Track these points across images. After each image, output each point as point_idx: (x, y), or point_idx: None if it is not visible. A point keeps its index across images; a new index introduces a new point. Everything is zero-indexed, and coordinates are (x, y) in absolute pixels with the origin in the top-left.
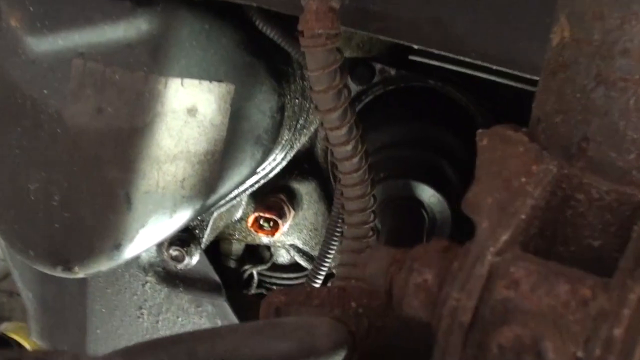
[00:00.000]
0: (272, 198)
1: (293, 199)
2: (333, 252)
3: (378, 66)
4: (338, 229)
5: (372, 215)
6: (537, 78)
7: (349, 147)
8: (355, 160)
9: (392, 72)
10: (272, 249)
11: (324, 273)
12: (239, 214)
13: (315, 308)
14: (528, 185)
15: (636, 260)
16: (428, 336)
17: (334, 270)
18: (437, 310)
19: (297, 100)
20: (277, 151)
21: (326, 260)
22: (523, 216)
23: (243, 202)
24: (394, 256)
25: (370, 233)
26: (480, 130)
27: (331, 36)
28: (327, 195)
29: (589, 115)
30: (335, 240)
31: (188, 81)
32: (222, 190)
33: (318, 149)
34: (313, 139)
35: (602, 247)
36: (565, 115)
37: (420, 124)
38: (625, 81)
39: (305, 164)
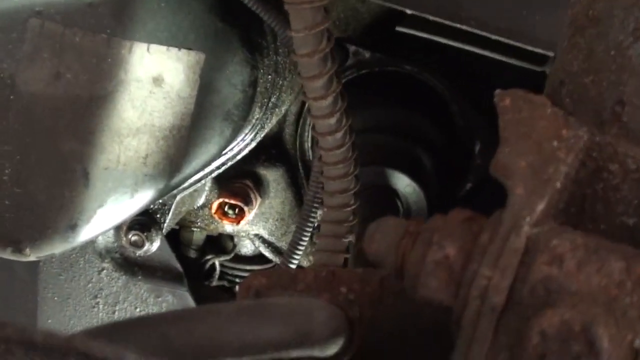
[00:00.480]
0: (238, 184)
1: (260, 186)
2: (307, 237)
3: (352, 48)
4: (314, 213)
5: (354, 198)
6: (541, 52)
7: (333, 120)
8: (339, 135)
9: (367, 54)
10: (236, 239)
11: (297, 261)
12: (201, 200)
13: (300, 293)
14: (560, 150)
15: None
16: (438, 327)
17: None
18: (463, 291)
19: (269, 77)
20: (247, 130)
21: (300, 246)
22: (558, 184)
23: (206, 187)
24: (407, 228)
25: (352, 217)
26: (498, 90)
27: None
28: (295, 183)
29: (624, 75)
30: (310, 226)
31: (155, 47)
32: (187, 169)
33: (286, 133)
34: (282, 123)
35: (638, 225)
36: (596, 76)
37: (395, 110)
38: None
39: (272, 150)
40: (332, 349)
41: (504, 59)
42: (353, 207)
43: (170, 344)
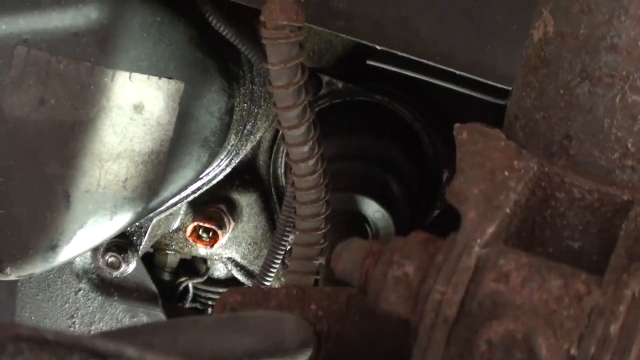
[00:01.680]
0: (212, 208)
1: (233, 210)
2: (280, 259)
3: (326, 78)
4: (286, 236)
5: (324, 222)
6: (502, 86)
7: (306, 148)
8: (312, 162)
9: (340, 84)
10: (209, 262)
11: (269, 283)
12: (176, 224)
13: (272, 309)
14: (511, 180)
15: (628, 257)
16: (399, 340)
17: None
18: (419, 305)
19: (245, 105)
20: (222, 156)
21: (272, 268)
22: (507, 210)
23: (181, 211)
24: (370, 248)
25: (322, 240)
26: (457, 125)
27: (295, 29)
28: (268, 208)
29: (572, 112)
30: (282, 249)
31: (136, 75)
32: (165, 193)
33: (260, 160)
34: (256, 150)
35: (582, 249)
36: (547, 112)
37: (366, 138)
38: (612, 77)
39: (246, 175)
40: (302, 359)
41: (468, 92)
42: (324, 230)
43: (154, 352)
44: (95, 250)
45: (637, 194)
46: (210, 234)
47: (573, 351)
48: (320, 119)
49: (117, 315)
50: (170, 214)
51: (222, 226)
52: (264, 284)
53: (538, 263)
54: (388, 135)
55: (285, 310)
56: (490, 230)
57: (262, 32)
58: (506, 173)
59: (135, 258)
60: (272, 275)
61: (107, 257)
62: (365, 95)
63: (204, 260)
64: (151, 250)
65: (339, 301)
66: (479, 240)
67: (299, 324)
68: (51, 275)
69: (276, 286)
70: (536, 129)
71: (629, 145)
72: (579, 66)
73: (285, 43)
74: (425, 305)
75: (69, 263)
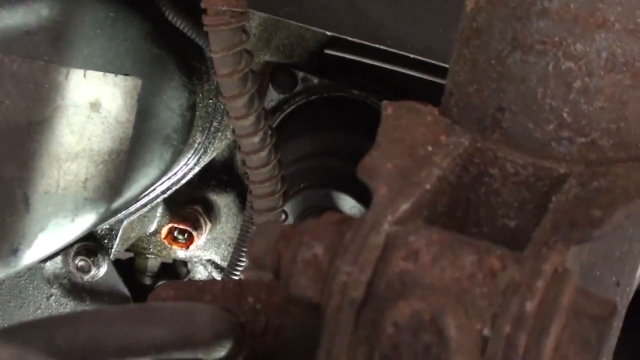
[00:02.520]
0: (188, 209)
1: (210, 211)
2: (245, 256)
3: (300, 74)
4: (249, 232)
5: (282, 215)
6: None
7: (257, 139)
8: (264, 153)
9: (315, 80)
10: (189, 265)
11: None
12: (153, 226)
13: (207, 304)
14: (435, 155)
15: (553, 231)
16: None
17: None
18: (327, 287)
19: (210, 101)
20: (188, 155)
21: (239, 264)
22: (428, 186)
23: (158, 214)
24: (283, 231)
25: None
26: (385, 101)
27: (236, 14)
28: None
29: (504, 82)
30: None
31: (91, 73)
32: (128, 193)
33: (237, 159)
34: (232, 149)
35: (519, 227)
36: (479, 85)
37: (342, 134)
38: (544, 44)
39: (223, 175)
40: (219, 352)
41: (430, 78)
42: (282, 224)
43: (56, 345)
44: (65, 254)
45: (574, 166)
46: (186, 235)
47: (486, 331)
48: (296, 116)
49: None
50: (145, 217)
51: (197, 227)
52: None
53: (451, 239)
54: (364, 131)
55: (221, 303)
56: (404, 207)
57: (204, 19)
58: (429, 148)
59: (106, 262)
60: (240, 270)
61: (77, 261)
62: (342, 90)
63: (184, 263)
64: (131, 255)
65: (279, 293)
66: (389, 217)
67: (214, 314)
68: (22, 282)
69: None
70: (469, 103)
71: (565, 115)
72: (509, 34)
73: (227, 29)
74: (332, 287)
75: (40, 268)
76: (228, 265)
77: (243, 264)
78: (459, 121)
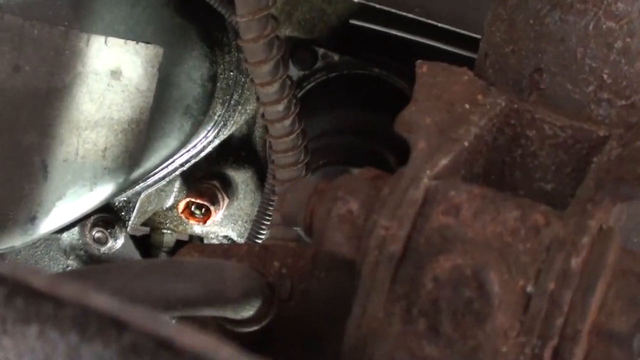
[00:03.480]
0: (205, 184)
1: (228, 187)
2: (265, 229)
3: (321, 51)
4: (271, 205)
5: None
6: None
7: (281, 107)
8: (287, 122)
9: (336, 57)
10: (205, 241)
11: None
12: (170, 201)
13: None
14: (472, 114)
15: (597, 189)
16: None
17: None
18: (363, 242)
19: (231, 73)
20: (208, 127)
21: (258, 236)
22: (466, 144)
23: (175, 188)
24: (316, 186)
25: None
26: (420, 60)
27: None
28: (265, 184)
29: (542, 43)
30: (269, 216)
31: (112, 40)
32: (147, 164)
33: (256, 135)
34: (251, 125)
35: (555, 190)
36: (516, 45)
37: (363, 112)
38: (584, 3)
39: (242, 151)
40: (247, 311)
41: (458, 51)
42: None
43: None
44: (82, 225)
45: (613, 129)
46: (203, 210)
47: (529, 288)
48: (317, 93)
49: None
50: (162, 190)
51: (215, 202)
52: None
53: (492, 194)
54: (385, 109)
55: (247, 265)
56: (443, 162)
57: None
58: (467, 106)
59: (124, 234)
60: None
61: (94, 233)
62: (363, 68)
63: (200, 239)
64: (146, 231)
65: (304, 257)
66: (428, 172)
67: (243, 271)
68: (38, 252)
69: None
70: (505, 64)
71: (605, 76)
72: None
73: None
74: (368, 242)
75: (56, 239)
76: (248, 238)
77: (261, 238)
78: (494, 83)
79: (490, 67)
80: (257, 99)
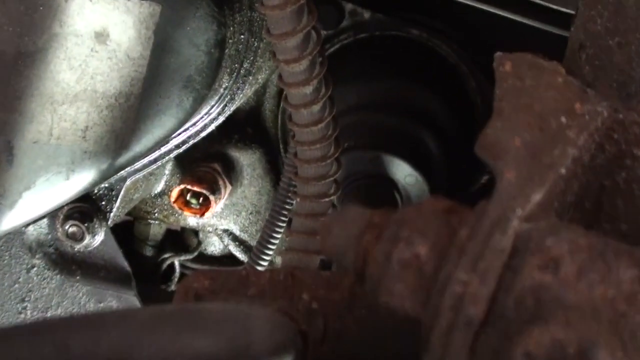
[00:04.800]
0: (204, 168)
1: (230, 171)
2: (280, 232)
3: (349, 6)
4: (288, 204)
5: (333, 186)
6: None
7: (309, 89)
8: (317, 107)
9: (366, 15)
10: (201, 235)
11: (266, 262)
12: (160, 186)
13: (251, 299)
14: (569, 129)
15: None
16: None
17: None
18: (433, 299)
19: (242, 37)
20: (212, 101)
21: (271, 243)
22: (562, 170)
23: (166, 171)
24: (371, 219)
25: (331, 210)
26: (499, 53)
27: None
28: (275, 169)
29: None
30: (284, 219)
31: None
32: (137, 146)
33: (266, 109)
34: (260, 96)
35: None
36: (625, 38)
37: (397, 83)
38: None
39: (248, 128)
40: None
41: (524, 20)
42: (332, 197)
43: (68, 355)
44: (52, 217)
45: None
46: (201, 199)
47: None
48: (341, 59)
49: (79, 299)
50: (151, 174)
51: (215, 190)
52: (261, 263)
53: (602, 245)
54: (425, 80)
55: (268, 300)
56: (537, 197)
57: None
58: (563, 119)
59: (104, 228)
60: (271, 251)
61: (67, 227)
62: (398, 29)
63: (194, 232)
64: (130, 218)
65: (341, 289)
66: (519, 211)
67: (274, 322)
68: None
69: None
70: (609, 60)
71: None
72: None
73: None
74: (441, 301)
75: (19, 233)
76: (258, 245)
77: (275, 244)
78: (592, 83)
79: (588, 63)
80: (280, 78)
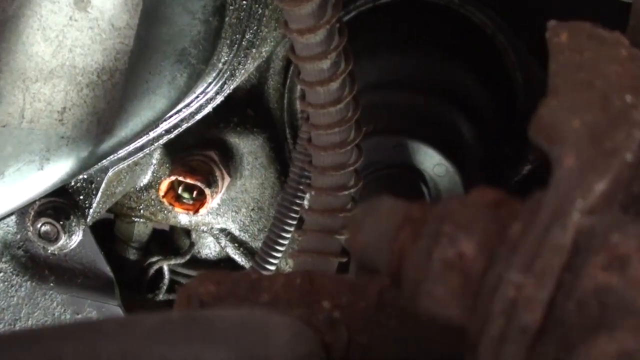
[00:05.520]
0: (198, 156)
1: (229, 160)
2: (290, 232)
3: None
4: (298, 199)
5: (354, 177)
6: None
7: (326, 64)
8: (335, 85)
9: None
10: (194, 236)
11: (273, 266)
12: (146, 178)
13: (263, 306)
14: (635, 108)
15: None
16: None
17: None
18: (482, 304)
19: (244, 2)
20: (209, 79)
21: (278, 244)
22: (628, 156)
23: (154, 160)
24: (409, 213)
25: (350, 204)
26: (552, 22)
27: None
28: (281, 158)
29: None
30: (294, 216)
31: None
32: (123, 131)
33: (270, 87)
34: (264, 72)
35: None
36: None
37: (424, 56)
38: None
39: (249, 109)
40: None
41: None
42: (352, 190)
43: None
44: (21, 214)
45: None
46: (195, 193)
47: None
48: (358, 28)
49: (53, 309)
50: (136, 164)
51: (211, 183)
52: (266, 269)
53: None
54: (457, 54)
55: (283, 307)
56: (600, 187)
57: None
58: (628, 98)
59: (82, 227)
60: (279, 254)
61: (39, 225)
62: None
63: (186, 232)
64: (110, 216)
65: (367, 296)
66: (580, 203)
67: (294, 331)
68: None
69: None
70: None
71: None
72: None
73: None
74: (490, 306)
75: None
76: (264, 246)
77: (284, 245)
78: None
79: None
80: (292, 50)
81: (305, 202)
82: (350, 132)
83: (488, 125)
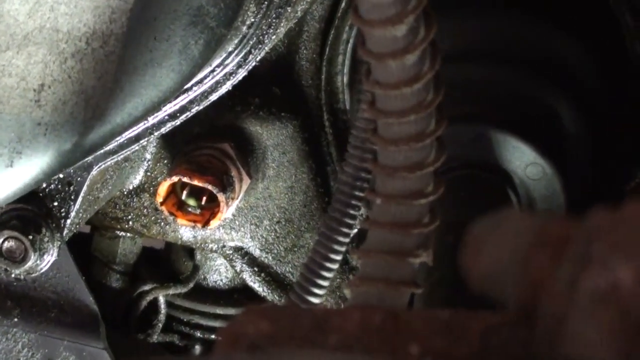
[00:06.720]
0: (208, 150)
1: (248, 156)
2: (340, 255)
3: None
4: (353, 209)
5: (433, 183)
6: None
7: (402, 29)
8: (412, 57)
9: None
10: (199, 256)
11: (318, 299)
12: (137, 179)
13: (333, 351)
14: None
15: None
16: None
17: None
18: None
19: None
20: (231, 46)
21: (326, 271)
22: None
23: (147, 155)
24: (544, 230)
25: (427, 218)
26: None
27: None
28: (317, 152)
29: None
30: (346, 231)
31: None
32: (118, 116)
33: (302, 58)
34: (293, 39)
35: None
36: None
37: (513, 20)
38: None
39: (275, 86)
40: None
41: None
42: (431, 197)
43: None
44: None
45: None
46: (204, 200)
47: None
48: None
49: (18, 353)
50: (126, 160)
51: (226, 186)
52: (310, 302)
53: None
54: (557, 18)
55: (359, 354)
56: None
57: None
58: None
59: (57, 243)
60: (325, 285)
61: (0, 241)
62: None
63: (188, 251)
64: (85, 230)
65: (469, 338)
66: None
67: None
68: None
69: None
70: None
71: None
72: None
73: None
74: None
75: None
76: (306, 272)
77: (332, 271)
78: None
79: None
80: (355, 10)
81: (363, 216)
82: (430, 121)
83: (598, 114)
